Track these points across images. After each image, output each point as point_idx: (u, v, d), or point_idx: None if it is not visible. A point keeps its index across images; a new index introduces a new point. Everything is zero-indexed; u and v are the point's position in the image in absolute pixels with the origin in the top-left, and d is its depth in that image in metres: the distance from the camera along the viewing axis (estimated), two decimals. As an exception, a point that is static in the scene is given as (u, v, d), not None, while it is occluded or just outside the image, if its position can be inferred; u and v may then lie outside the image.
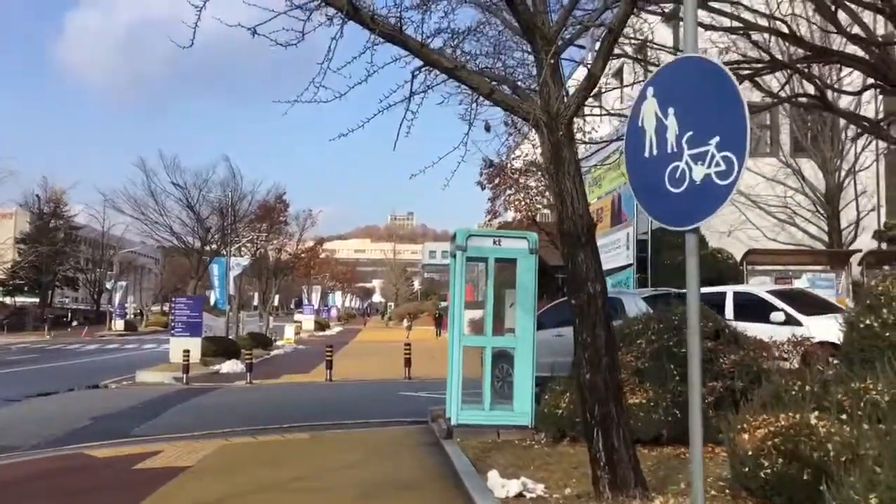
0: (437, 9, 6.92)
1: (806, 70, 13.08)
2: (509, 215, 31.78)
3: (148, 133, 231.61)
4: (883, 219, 23.99)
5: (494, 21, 7.51)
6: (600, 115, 12.43)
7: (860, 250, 20.08)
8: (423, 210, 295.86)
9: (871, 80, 12.09)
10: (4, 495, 7.77)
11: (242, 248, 36.54)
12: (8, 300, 68.21)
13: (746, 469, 5.63)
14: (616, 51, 8.31)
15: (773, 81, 15.10)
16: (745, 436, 5.77)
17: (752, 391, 7.02)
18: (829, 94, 14.10)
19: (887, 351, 6.07)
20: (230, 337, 29.73)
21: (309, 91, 6.28)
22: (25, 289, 67.93)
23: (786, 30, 11.50)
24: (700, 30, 8.11)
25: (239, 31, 5.86)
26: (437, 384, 14.48)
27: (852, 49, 12.09)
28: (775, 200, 23.30)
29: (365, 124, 6.69)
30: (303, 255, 46.35)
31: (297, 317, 64.04)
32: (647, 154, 4.80)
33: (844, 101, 18.58)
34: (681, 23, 14.07)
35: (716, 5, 11.00)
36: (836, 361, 7.51)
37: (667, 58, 9.21)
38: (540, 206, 29.28)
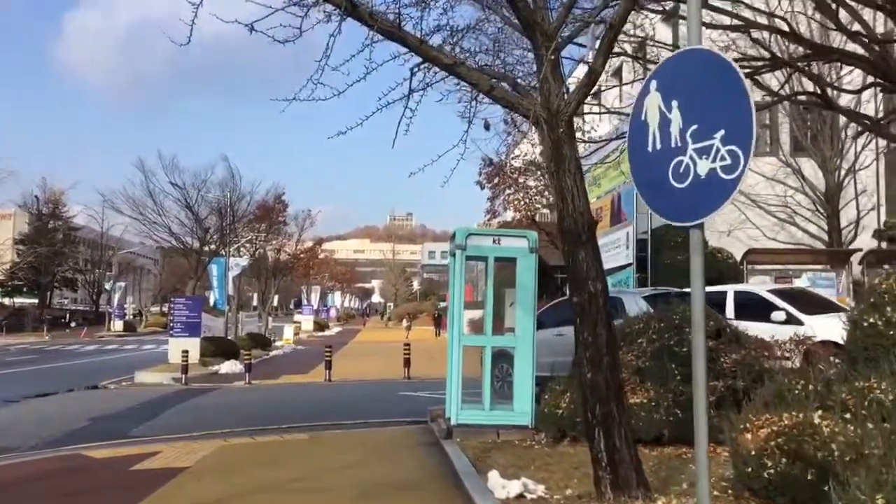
0: (436, 6, 6.88)
1: (806, 68, 13.03)
2: (508, 215, 31.74)
3: (147, 133, 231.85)
4: (883, 218, 23.95)
5: (494, 18, 7.46)
6: (599, 113, 12.38)
7: (860, 249, 20.05)
8: (423, 210, 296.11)
9: (871, 79, 12.05)
10: (3, 496, 7.72)
11: (241, 249, 36.50)
12: (7, 301, 68.08)
13: (749, 469, 5.58)
14: (615, 49, 8.28)
15: (773, 80, 15.06)
16: (748, 435, 5.73)
17: (754, 390, 6.97)
18: (830, 92, 14.05)
19: (892, 349, 6.03)
20: (229, 337, 29.68)
21: (307, 88, 6.24)
22: (24, 290, 67.85)
23: (786, 28, 11.45)
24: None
25: (237, 30, 5.84)
26: (436, 384, 14.44)
27: (852, 47, 12.04)
28: (775, 200, 23.25)
29: (364, 122, 6.65)
30: (302, 255, 46.28)
31: (296, 317, 63.97)
32: (650, 149, 4.71)
33: (844, 100, 18.52)
34: (681, 21, 14.06)
35: (716, 3, 10.95)
36: (837, 361, 7.47)
37: (667, 56, 9.14)
38: (539, 206, 29.23)
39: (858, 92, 13.75)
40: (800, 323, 11.60)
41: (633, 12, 7.88)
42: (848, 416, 5.46)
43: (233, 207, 32.21)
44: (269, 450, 9.90)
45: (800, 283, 17.78)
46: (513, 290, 10.33)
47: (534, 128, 7.82)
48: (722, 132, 4.26)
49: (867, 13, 11.72)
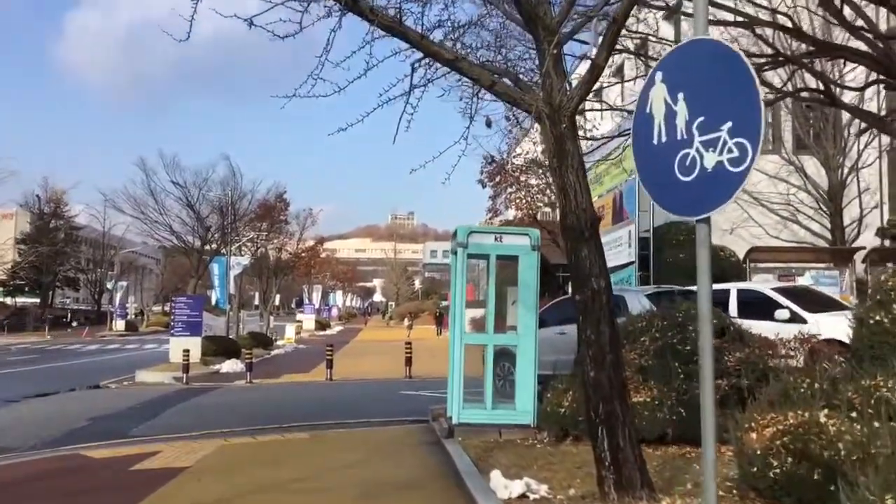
0: (438, 1, 6.81)
1: (810, 65, 12.96)
2: (510, 213, 31.71)
3: (147, 133, 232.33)
4: (886, 216, 23.88)
5: (496, 13, 7.40)
6: (601, 110, 12.31)
7: (863, 248, 19.98)
8: (424, 209, 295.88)
9: (874, 76, 11.98)
10: (2, 496, 7.68)
11: (243, 248, 36.42)
12: (8, 301, 68.11)
13: (755, 469, 5.52)
14: (617, 46, 8.19)
15: (776, 78, 14.98)
16: (753, 435, 5.66)
17: (759, 389, 6.92)
18: (833, 89, 13.97)
19: (898, 347, 5.97)
20: (230, 336, 29.62)
21: (307, 85, 6.18)
22: (26, 289, 67.86)
23: (789, 24, 11.38)
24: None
25: (237, 30, 5.84)
26: (438, 383, 14.39)
27: (856, 44, 11.97)
28: (778, 198, 23.16)
29: (364, 118, 6.60)
30: (303, 254, 46.20)
31: (298, 316, 63.95)
32: (655, 142, 4.63)
33: (847, 97, 18.46)
34: (683, 18, 14.00)
35: (720, 0, 10.88)
36: (841, 359, 7.40)
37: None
38: (541, 204, 29.20)
39: (862, 89, 13.68)
40: (803, 321, 11.54)
41: (635, 7, 7.80)
42: (854, 414, 5.40)
43: (234, 206, 32.17)
44: (270, 449, 9.85)
45: (803, 281, 17.73)
46: (515, 289, 10.27)
47: (536, 125, 7.75)
48: (729, 124, 4.17)
49: (870, 9, 11.65)
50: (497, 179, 28.63)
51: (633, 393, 8.17)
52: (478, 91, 7.32)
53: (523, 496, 6.50)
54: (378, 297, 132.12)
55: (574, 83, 6.22)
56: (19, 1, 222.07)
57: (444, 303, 57.02)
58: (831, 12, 11.08)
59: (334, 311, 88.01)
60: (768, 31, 12.63)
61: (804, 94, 13.53)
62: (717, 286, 13.27)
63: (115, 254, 68.59)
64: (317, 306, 68.61)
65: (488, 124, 8.91)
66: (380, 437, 10.60)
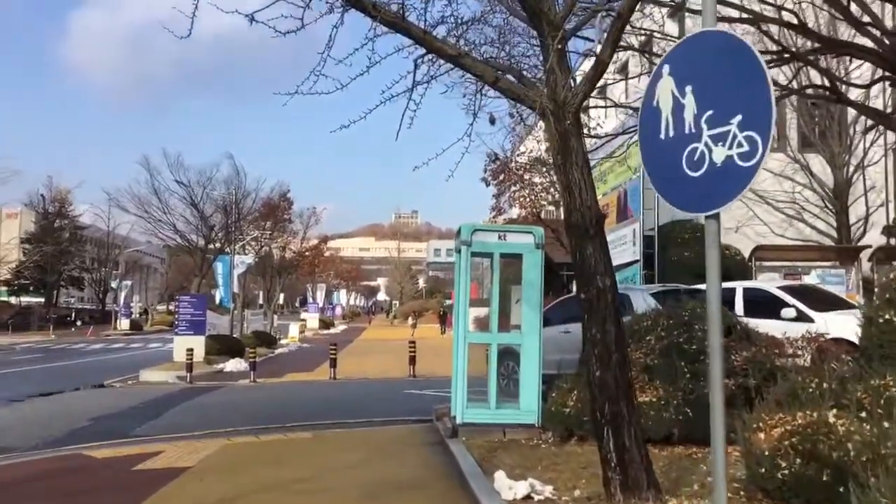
0: (441, -4, 6.75)
1: (816, 61, 12.86)
2: (514, 212, 31.59)
3: (148, 133, 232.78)
4: (892, 214, 23.72)
5: (499, 8, 7.33)
6: (606, 107, 12.23)
7: (869, 246, 19.86)
8: (428, 208, 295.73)
9: (880, 73, 11.87)
10: (3, 496, 7.65)
11: (247, 246, 36.41)
12: (13, 300, 68.20)
13: (763, 470, 5.44)
14: (622, 43, 8.13)
15: (781, 76, 14.87)
16: (761, 435, 5.59)
17: (766, 389, 6.83)
18: (839, 86, 13.86)
19: (908, 347, 5.88)
20: (234, 335, 29.60)
21: (309, 81, 6.12)
22: (30, 288, 67.89)
23: (795, 21, 11.28)
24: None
25: (238, 29, 5.78)
26: (441, 382, 14.34)
27: (861, 41, 11.87)
28: (783, 196, 23.03)
29: (367, 115, 6.53)
30: (307, 252, 46.17)
31: (302, 315, 63.95)
32: (662, 136, 4.52)
33: (853, 95, 18.34)
34: (688, 15, 13.91)
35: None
36: (849, 359, 7.31)
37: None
38: (545, 203, 29.09)
39: (868, 87, 13.57)
40: (810, 320, 11.46)
41: (640, 2, 7.72)
42: (864, 414, 5.31)
43: (238, 205, 32.17)
44: (273, 449, 9.80)
45: (809, 279, 17.63)
46: (519, 287, 10.21)
47: (540, 122, 7.68)
48: (739, 117, 4.06)
49: (877, 5, 11.55)
50: (501, 178, 28.50)
51: (639, 392, 8.10)
52: (481, 88, 7.26)
53: (528, 497, 6.43)
54: (382, 296, 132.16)
55: (578, 80, 6.15)
56: (21, 1, 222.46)
57: (448, 301, 56.96)
58: (838, 9, 11.00)
59: (338, 310, 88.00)
60: (774, 28, 12.53)
61: (810, 91, 13.43)
62: (723, 285, 13.22)
63: (120, 253, 68.71)
64: (321, 305, 68.58)
65: (492, 121, 8.88)
66: (383, 437, 10.55)
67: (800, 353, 8.88)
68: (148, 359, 27.36)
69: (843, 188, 22.26)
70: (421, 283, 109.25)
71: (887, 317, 6.16)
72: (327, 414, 13.13)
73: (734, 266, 20.14)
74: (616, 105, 11.12)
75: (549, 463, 7.80)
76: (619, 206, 25.12)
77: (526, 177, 27.89)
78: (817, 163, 22.69)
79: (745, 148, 4.04)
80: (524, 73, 6.88)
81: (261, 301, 53.62)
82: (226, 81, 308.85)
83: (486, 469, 7.60)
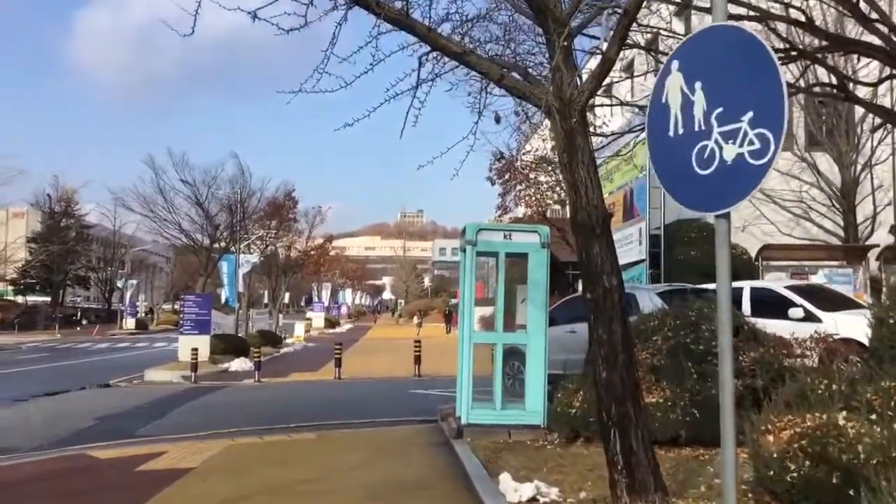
0: (446, -7, 6.69)
1: (824, 59, 12.76)
2: (520, 211, 31.55)
3: (151, 132, 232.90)
4: (900, 213, 23.59)
5: (504, 5, 7.26)
6: (611, 105, 12.15)
7: (877, 245, 19.75)
8: (433, 207, 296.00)
9: (888, 71, 11.78)
10: (6, 496, 7.62)
11: (252, 246, 36.43)
12: (19, 299, 68.39)
13: (771, 472, 5.36)
14: (628, 41, 8.04)
15: (788, 74, 14.76)
16: (770, 437, 5.50)
17: (774, 390, 6.74)
18: (846, 84, 13.75)
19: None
20: (239, 335, 29.61)
21: (312, 79, 6.06)
22: (37, 288, 68.07)
23: (802, 18, 11.20)
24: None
25: (240, 27, 5.71)
26: (447, 382, 14.28)
27: (869, 39, 11.78)
28: (790, 195, 22.90)
29: (371, 113, 6.47)
30: (312, 252, 46.22)
31: (307, 314, 63.99)
32: (671, 133, 4.43)
33: (861, 93, 18.21)
34: (693, 13, 13.84)
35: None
36: (857, 360, 7.24)
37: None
38: (551, 202, 29.05)
39: (876, 84, 13.46)
40: (818, 320, 11.36)
41: (645, 3, 7.66)
42: (874, 416, 5.23)
43: (243, 204, 32.17)
44: (277, 449, 9.76)
45: (816, 279, 17.53)
46: (524, 287, 10.15)
47: (545, 120, 7.61)
48: (750, 114, 3.96)
49: (884, 3, 11.45)
50: (506, 176, 28.46)
51: (646, 393, 8.00)
52: (486, 85, 7.19)
53: (533, 499, 6.38)
54: (387, 295, 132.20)
55: (584, 77, 6.08)
56: (22, 0, 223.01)
57: (454, 300, 56.91)
58: (845, 6, 10.90)
59: (343, 309, 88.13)
60: (781, 26, 12.44)
61: (817, 89, 13.34)
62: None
63: (126, 252, 68.90)
64: (326, 304, 68.73)
65: (497, 120, 8.80)
66: (388, 438, 10.50)
67: (808, 353, 8.80)
68: (153, 358, 27.37)
69: (851, 187, 22.13)
70: (426, 282, 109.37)
71: (898, 317, 6.08)
72: (332, 414, 13.09)
73: (741, 265, 20.03)
74: (622, 103, 11.03)
75: (555, 465, 7.74)
76: (626, 205, 25.03)
77: (531, 175, 27.86)
78: (824, 161, 22.56)
79: (757, 145, 3.94)
80: (530, 70, 6.80)
81: (266, 300, 53.73)
82: (228, 80, 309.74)
83: (491, 470, 7.54)
